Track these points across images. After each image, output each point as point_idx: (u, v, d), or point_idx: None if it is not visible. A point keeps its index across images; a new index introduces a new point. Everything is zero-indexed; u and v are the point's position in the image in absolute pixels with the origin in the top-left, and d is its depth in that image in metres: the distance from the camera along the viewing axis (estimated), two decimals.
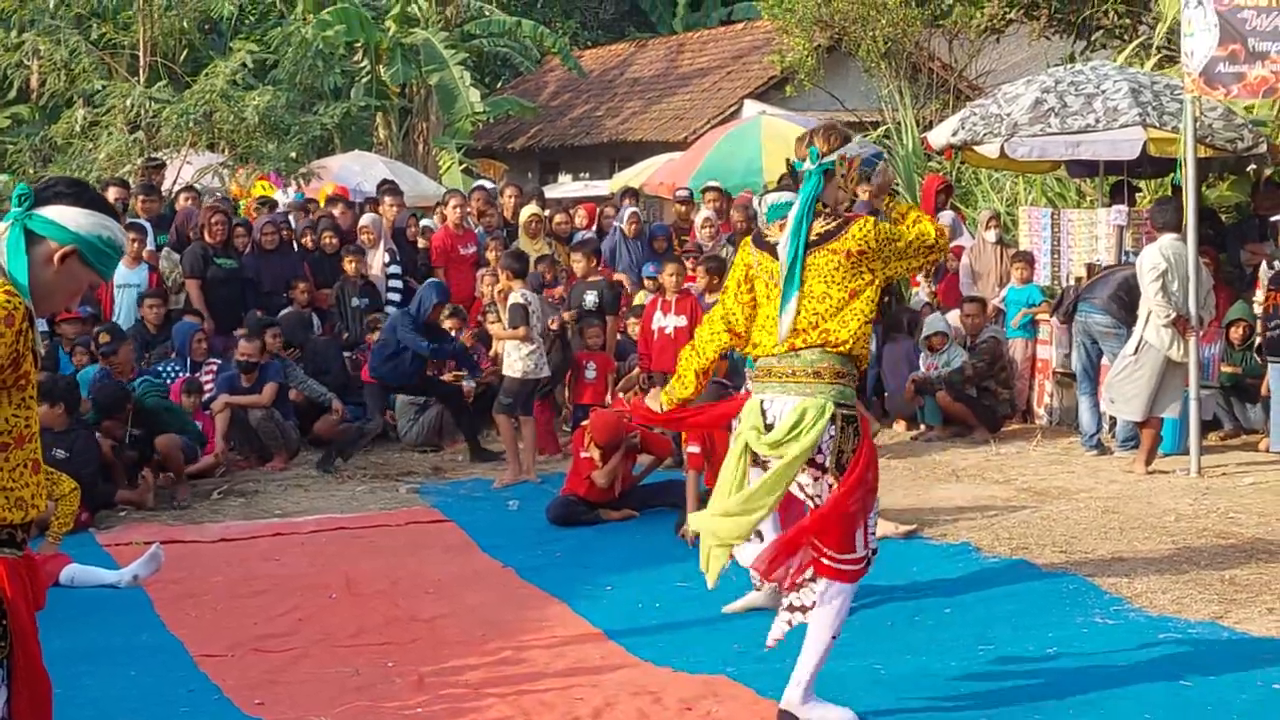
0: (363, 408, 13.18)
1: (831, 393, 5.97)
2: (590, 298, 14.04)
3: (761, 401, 6.10)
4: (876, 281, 6.09)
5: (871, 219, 6.13)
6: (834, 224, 6.08)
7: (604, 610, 7.98)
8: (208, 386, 13.00)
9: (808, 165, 6.17)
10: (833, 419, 5.95)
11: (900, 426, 13.93)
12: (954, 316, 14.09)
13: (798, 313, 6.01)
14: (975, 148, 14.09)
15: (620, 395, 10.15)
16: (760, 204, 8.21)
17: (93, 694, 6.65)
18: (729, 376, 10.57)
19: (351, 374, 13.88)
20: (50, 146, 21.74)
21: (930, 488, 11.24)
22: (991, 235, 14.84)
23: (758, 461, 6.12)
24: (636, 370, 12.87)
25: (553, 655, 7.21)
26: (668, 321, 12.87)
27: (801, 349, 6.02)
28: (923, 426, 13.65)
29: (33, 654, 3.87)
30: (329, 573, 8.97)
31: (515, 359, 11.92)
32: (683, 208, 17.04)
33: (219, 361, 13.42)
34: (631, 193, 18.17)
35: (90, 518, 10.40)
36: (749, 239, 6.41)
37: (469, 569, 9.12)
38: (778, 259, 6.12)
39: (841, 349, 5.99)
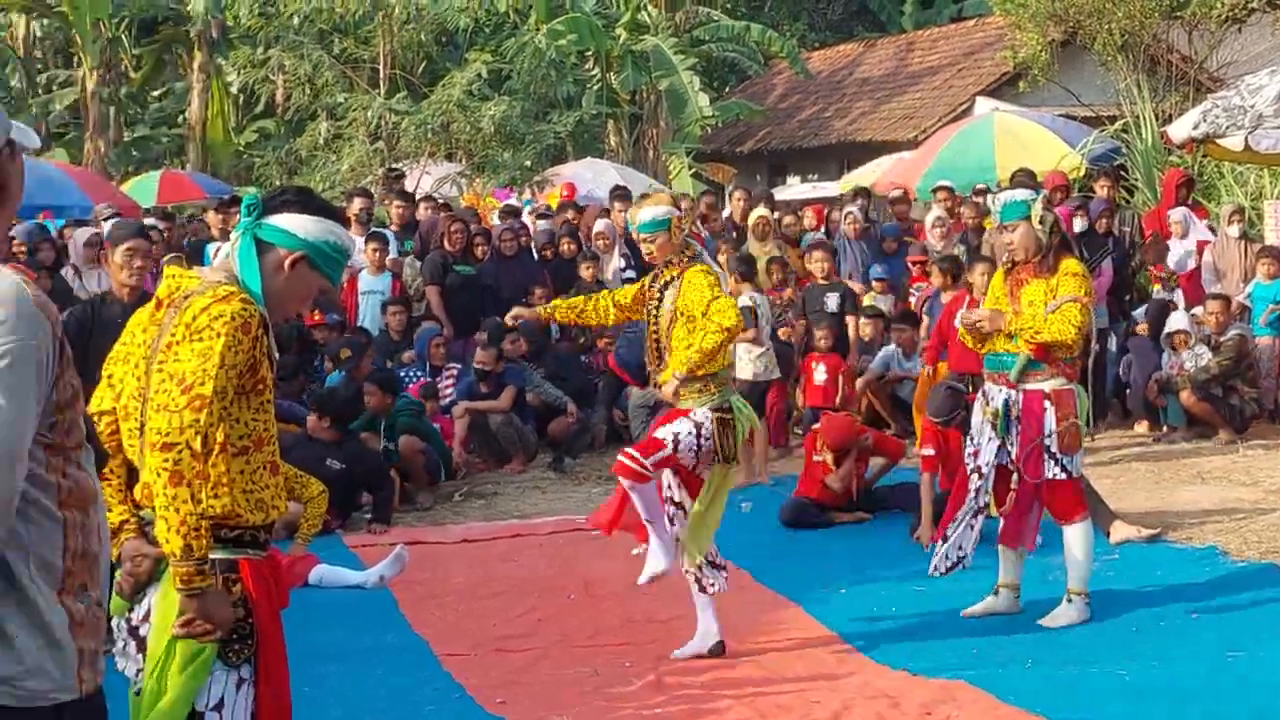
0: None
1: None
2: (833, 300, 13.93)
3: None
4: None
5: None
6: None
7: (839, 613, 7.92)
8: (446, 391, 13.23)
9: None
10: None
11: (1142, 427, 13.56)
12: (1194, 314, 13.66)
13: None
14: (1218, 141, 13.65)
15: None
16: (994, 202, 8.07)
17: (341, 693, 6.81)
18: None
19: (590, 378, 14.02)
20: (295, 159, 22.41)
21: (1174, 490, 10.93)
22: (1235, 230, 14.38)
23: None
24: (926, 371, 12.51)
25: (788, 658, 7.18)
26: None
27: None
28: (1165, 427, 13.28)
29: (277, 652, 3.98)
30: (566, 574, 9.06)
31: (744, 361, 11.90)
32: (902, 207, 16.87)
33: (458, 366, 13.65)
34: (864, 193, 18.00)
35: (342, 522, 10.63)
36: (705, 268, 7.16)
37: None
38: None
39: None
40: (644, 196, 7.42)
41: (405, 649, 7.56)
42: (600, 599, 8.47)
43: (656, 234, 7.15)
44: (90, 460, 2.99)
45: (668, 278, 7.18)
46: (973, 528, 7.56)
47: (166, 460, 3.65)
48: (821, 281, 14.14)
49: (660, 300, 7.18)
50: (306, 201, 4.05)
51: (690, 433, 7.05)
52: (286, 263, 3.97)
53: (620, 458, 7.14)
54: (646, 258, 7.32)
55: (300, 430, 10.68)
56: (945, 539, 7.63)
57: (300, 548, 9.08)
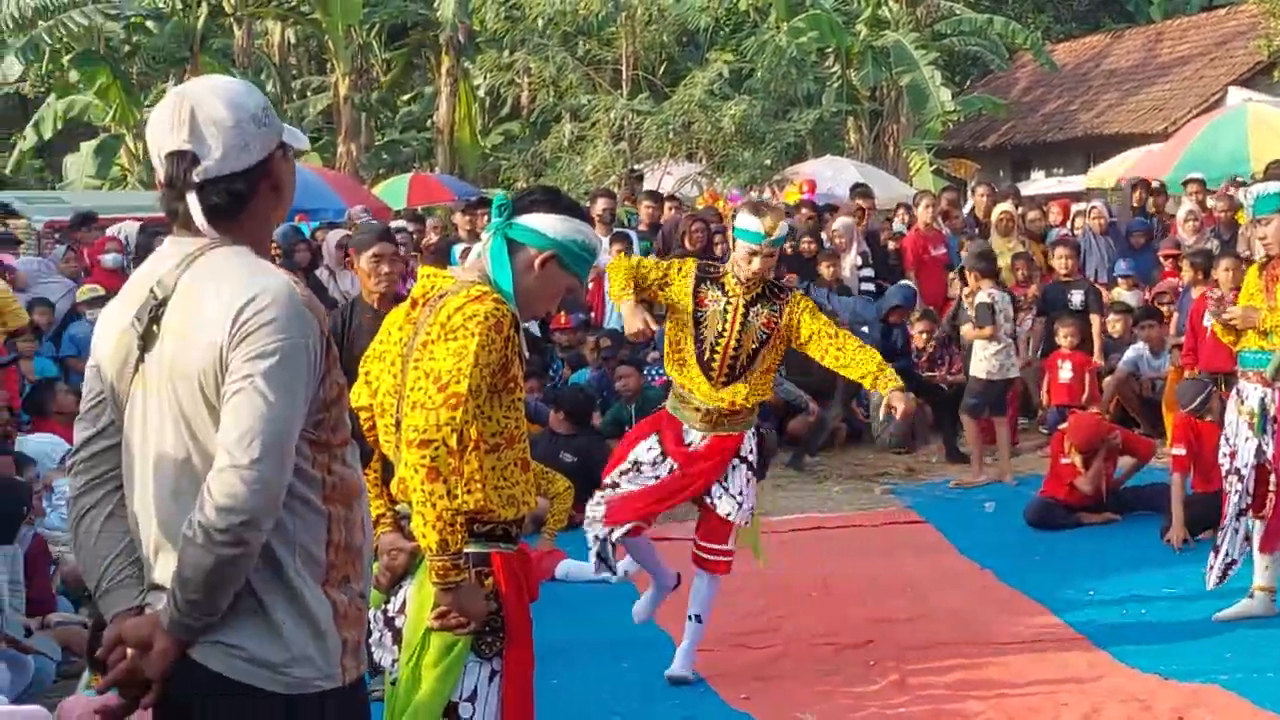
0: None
1: None
2: (1077, 297, 13.66)
3: None
4: None
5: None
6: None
7: (1087, 615, 7.78)
8: None
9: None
10: None
11: None
12: None
13: None
14: None
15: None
16: (1246, 195, 7.82)
17: (590, 683, 6.91)
18: None
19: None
20: (540, 161, 22.75)
21: None
22: None
23: None
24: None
25: (1035, 660, 7.07)
26: None
27: None
28: None
29: (525, 645, 4.04)
30: (807, 572, 9.04)
31: (981, 358, 11.75)
32: (1160, 198, 16.44)
33: None
34: (1143, 184, 17.43)
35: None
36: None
37: (946, 570, 9.03)
38: None
39: None
40: (765, 205, 6.88)
41: (651, 643, 7.61)
42: (841, 597, 8.45)
43: (778, 250, 6.76)
44: (356, 456, 3.10)
45: (756, 293, 6.65)
46: (1237, 531, 7.38)
47: (424, 456, 3.71)
48: (1065, 278, 13.85)
49: (745, 313, 6.66)
50: (555, 201, 4.11)
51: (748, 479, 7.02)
52: (537, 262, 4.03)
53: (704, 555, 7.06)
54: (758, 271, 6.56)
55: (543, 429, 10.87)
56: (1216, 551, 7.46)
57: (547, 542, 9.25)
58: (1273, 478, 7.22)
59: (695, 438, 6.80)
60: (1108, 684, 6.62)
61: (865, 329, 13.01)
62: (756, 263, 6.54)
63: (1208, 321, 10.32)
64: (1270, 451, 7.20)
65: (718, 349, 6.66)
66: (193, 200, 2.97)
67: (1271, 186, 7.45)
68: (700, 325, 6.66)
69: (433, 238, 15.98)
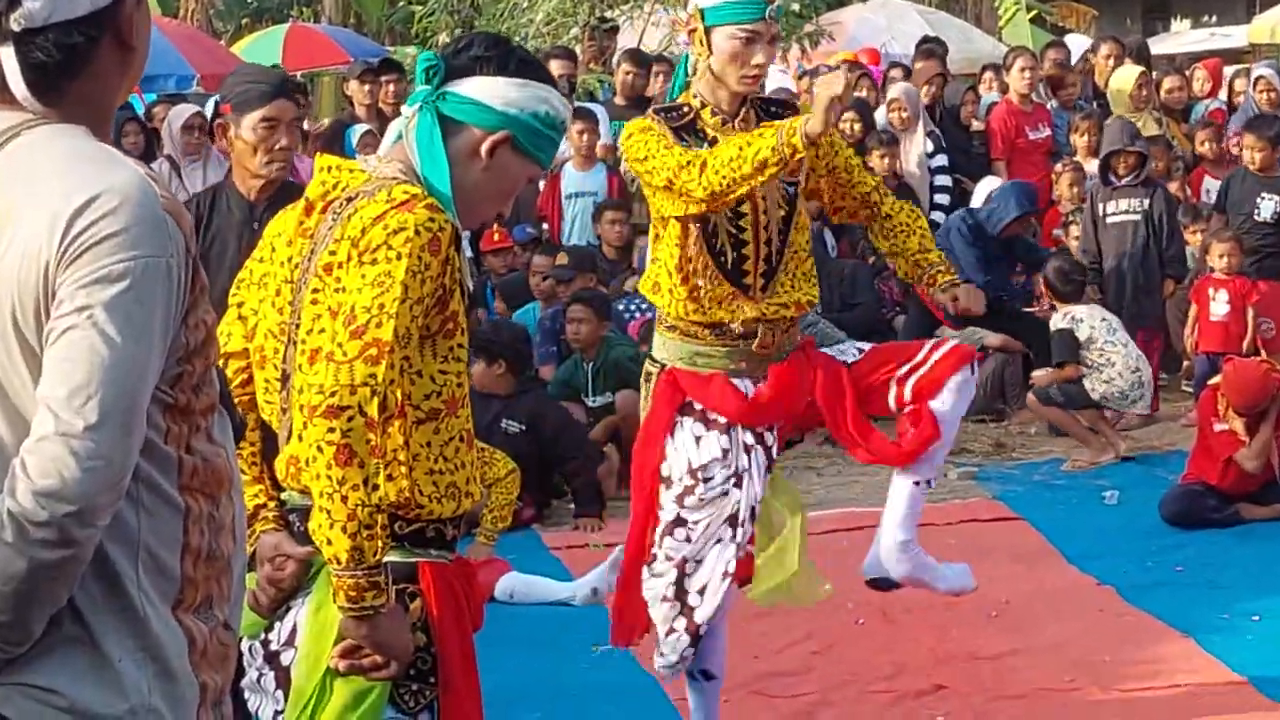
0: None
1: None
2: (1268, 205, 13.58)
3: None
4: None
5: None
6: None
7: (1248, 649, 7.86)
8: None
9: None
10: None
11: None
12: None
13: None
14: None
15: None
16: None
17: None
18: None
19: (884, 310, 14.04)
20: (471, 8, 22.62)
21: None
22: None
23: None
24: None
25: (1176, 709, 7.17)
26: None
27: None
28: None
29: (467, 693, 4.08)
30: (853, 589, 9.08)
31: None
32: None
33: None
34: None
35: (537, 513, 10.81)
36: (653, 122, 6.22)
37: (1050, 586, 9.11)
38: None
39: None
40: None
41: (629, 689, 7.67)
42: (902, 625, 8.51)
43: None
44: (226, 430, 3.08)
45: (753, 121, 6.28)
46: None
47: (331, 430, 3.69)
48: (1260, 172, 13.68)
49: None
50: (504, 58, 4.05)
51: None
52: (484, 147, 4.02)
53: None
54: (764, 66, 6.19)
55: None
56: None
57: (484, 549, 9.25)
58: None
59: (748, 386, 6.34)
60: None
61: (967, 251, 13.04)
62: (759, 54, 6.10)
63: None
64: None
65: (743, 238, 6.22)
66: (8, 56, 2.94)
67: None
68: (704, 217, 6.13)
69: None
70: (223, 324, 4.15)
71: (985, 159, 15.46)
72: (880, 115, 15.64)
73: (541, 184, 14.39)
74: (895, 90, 15.81)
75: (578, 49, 18.49)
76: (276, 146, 6.18)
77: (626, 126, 6.24)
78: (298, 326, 3.95)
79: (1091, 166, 14.26)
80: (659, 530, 6.30)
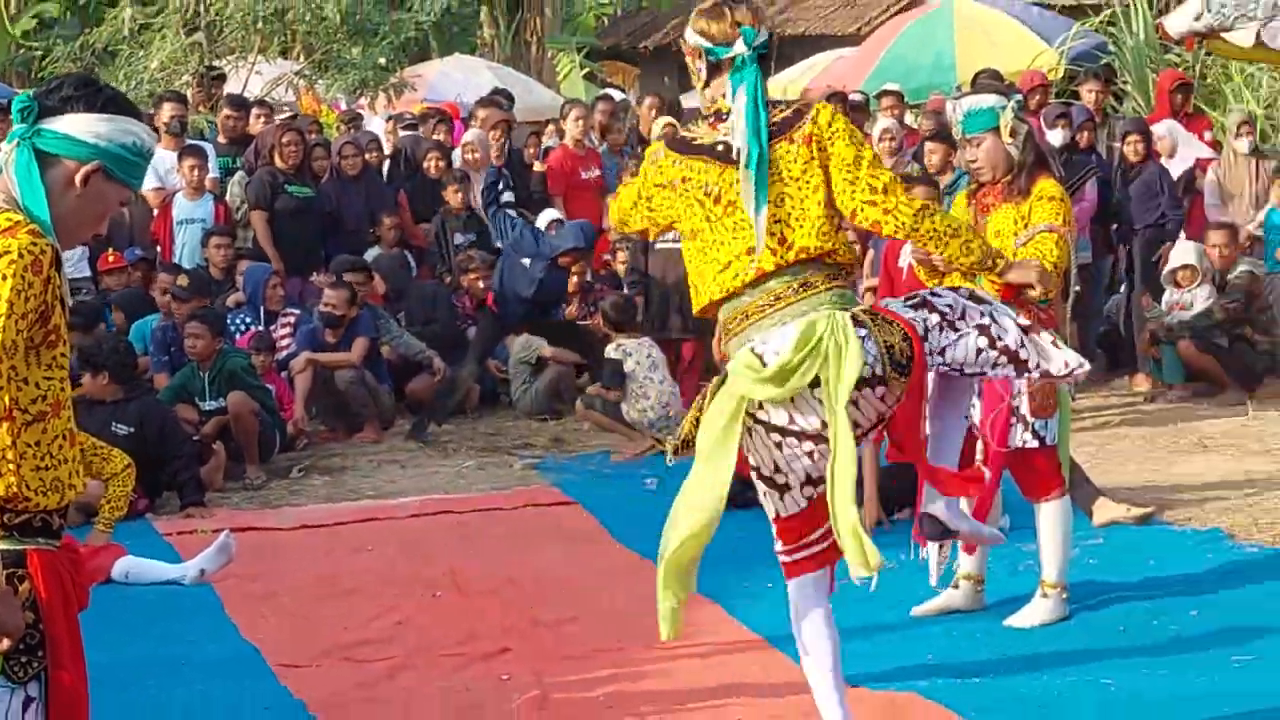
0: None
1: (833, 297, 5.68)
2: None
3: (752, 349, 5.76)
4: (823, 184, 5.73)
5: (833, 107, 5.89)
6: (789, 110, 5.79)
7: (766, 613, 7.95)
8: (283, 343, 13.15)
9: (740, 48, 5.78)
10: (857, 321, 5.61)
11: (1136, 383, 13.73)
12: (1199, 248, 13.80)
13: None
14: (1223, 35, 13.79)
15: None
16: (956, 110, 8.11)
17: (153, 713, 6.77)
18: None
19: (459, 324, 14.02)
20: (92, 54, 22.09)
21: (1171, 461, 11.11)
22: (1244, 145, 14.54)
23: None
24: None
25: (704, 666, 7.24)
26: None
27: (771, 274, 5.70)
28: (1161, 384, 13.45)
29: (74, 665, 3.95)
30: (432, 567, 9.06)
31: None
32: (858, 115, 16.94)
33: (296, 312, 13.56)
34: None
35: (150, 503, 10.58)
36: (660, 144, 6.03)
37: (600, 562, 9.17)
38: (721, 164, 5.76)
39: (829, 259, 5.71)
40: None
41: (232, 660, 7.53)
42: (473, 596, 8.49)
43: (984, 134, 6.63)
44: None
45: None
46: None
47: None
48: None
49: None
50: (93, 97, 3.96)
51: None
52: (78, 177, 3.91)
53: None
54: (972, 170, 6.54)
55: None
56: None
57: (102, 536, 9.04)
58: (979, 444, 7.48)
59: None
60: (788, 694, 6.79)
61: (527, 263, 12.95)
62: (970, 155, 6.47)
63: (904, 260, 10.75)
64: (978, 414, 7.46)
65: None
66: None
67: (984, 100, 7.71)
68: None
69: None
70: None
71: (544, 196, 15.54)
72: (457, 156, 15.64)
73: (156, 211, 14.12)
74: (469, 135, 15.86)
75: (189, 93, 18.16)
76: None
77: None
78: None
79: None
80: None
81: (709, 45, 5.86)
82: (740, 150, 5.65)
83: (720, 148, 5.73)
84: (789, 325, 5.63)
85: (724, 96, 5.80)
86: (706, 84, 5.93)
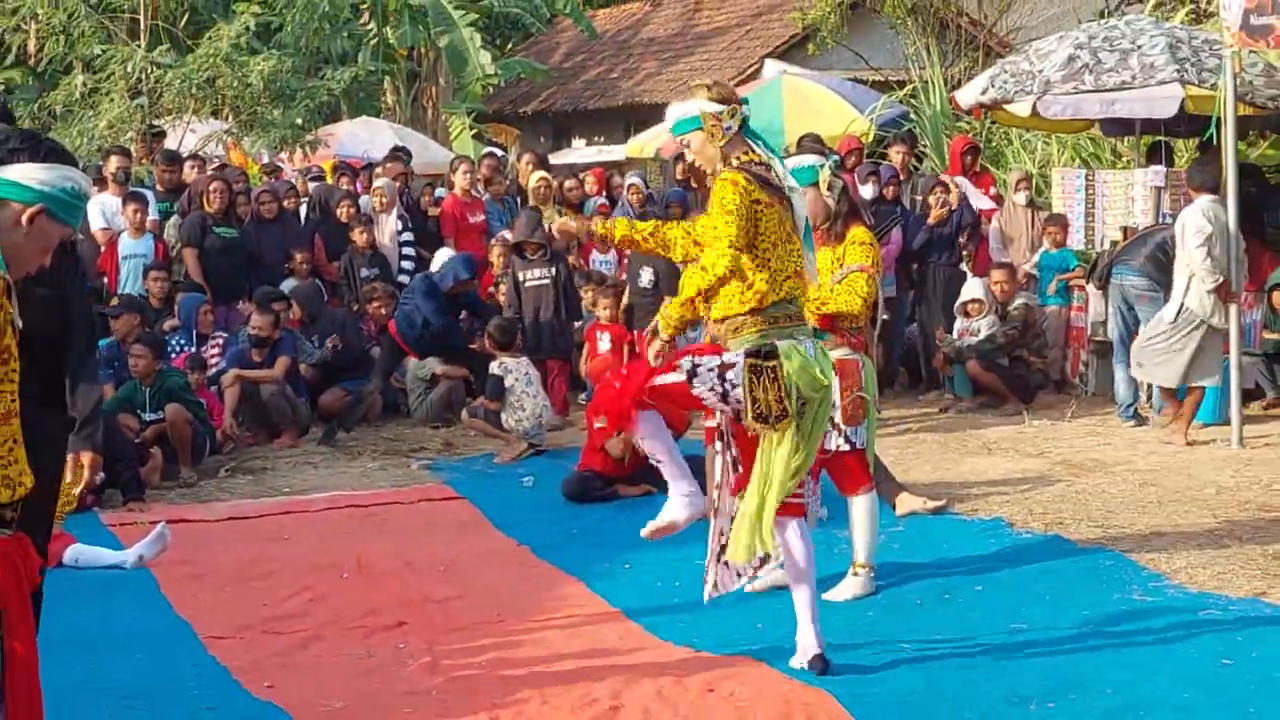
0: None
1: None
2: (647, 275, 13.92)
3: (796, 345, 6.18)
4: None
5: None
6: None
7: (622, 589, 7.99)
8: (213, 361, 13.04)
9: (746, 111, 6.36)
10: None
11: (930, 397, 13.91)
12: (985, 284, 14.00)
13: None
14: (1006, 106, 14.03)
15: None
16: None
17: (99, 678, 6.67)
18: None
19: (366, 345, 13.95)
20: (49, 114, 21.80)
21: (960, 461, 11.23)
22: (1022, 198, 14.76)
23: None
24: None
25: (570, 635, 7.22)
26: None
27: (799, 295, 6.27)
28: (952, 397, 13.62)
29: (27, 639, 3.90)
30: (340, 552, 8.98)
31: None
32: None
33: (224, 335, 13.49)
34: (666, 161, 18.06)
35: (97, 498, 10.43)
36: (740, 175, 6.10)
37: (483, 547, 9.13)
38: (782, 200, 6.22)
39: None
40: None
41: (167, 632, 7.43)
42: (375, 577, 8.43)
43: (688, 135, 6.43)
44: None
45: None
46: None
47: None
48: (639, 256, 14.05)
49: None
50: (35, 148, 3.97)
51: (712, 369, 6.18)
52: (25, 218, 3.90)
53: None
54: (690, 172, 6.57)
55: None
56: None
57: (54, 526, 8.87)
58: None
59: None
60: (640, 657, 6.82)
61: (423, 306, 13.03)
62: (687, 154, 6.36)
63: None
64: None
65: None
66: None
67: (806, 159, 7.80)
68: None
69: None
70: None
71: (438, 236, 15.49)
72: (364, 202, 15.55)
73: (103, 248, 13.95)
74: (378, 183, 15.77)
75: (133, 148, 17.96)
76: None
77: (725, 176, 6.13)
78: None
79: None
80: None
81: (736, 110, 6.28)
82: (793, 190, 6.26)
83: (775, 185, 6.17)
84: (806, 341, 6.19)
85: (753, 149, 6.25)
86: (727, 140, 6.28)
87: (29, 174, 3.90)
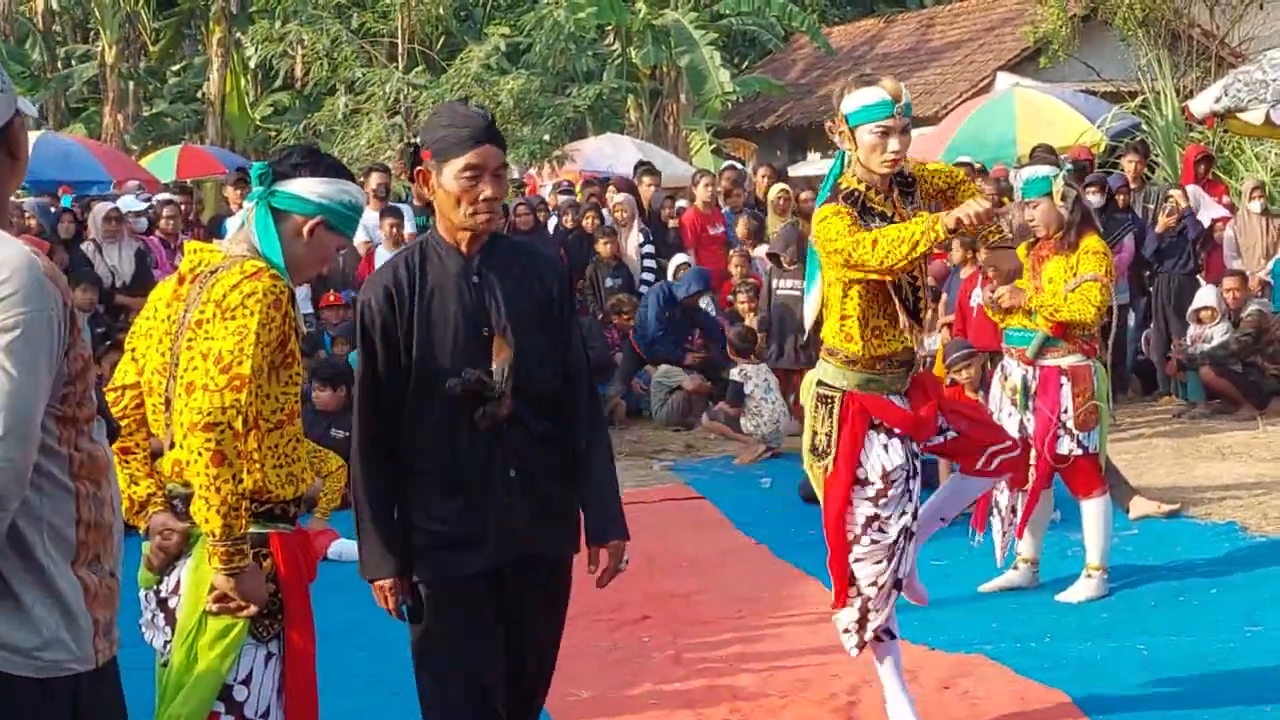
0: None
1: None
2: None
3: None
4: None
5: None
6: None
7: None
8: None
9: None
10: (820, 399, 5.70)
11: (1165, 403, 13.59)
12: (1217, 291, 13.63)
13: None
14: (1239, 115, 13.60)
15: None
16: (1016, 178, 8.08)
17: (361, 668, 6.86)
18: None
19: (610, 350, 14.12)
20: (313, 134, 22.45)
21: (1194, 466, 10.95)
22: (1256, 206, 14.36)
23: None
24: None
25: (808, 632, 7.22)
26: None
27: None
28: (1187, 403, 13.28)
29: (305, 627, 4.02)
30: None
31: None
32: None
33: None
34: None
35: None
36: (843, 207, 5.41)
37: (723, 545, 9.17)
38: None
39: None
40: (870, 74, 5.71)
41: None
42: (621, 574, 8.48)
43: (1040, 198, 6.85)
44: (102, 432, 2.99)
45: (902, 189, 5.63)
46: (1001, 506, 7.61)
47: (209, 440, 3.68)
48: None
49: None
50: (315, 163, 4.05)
51: None
52: (305, 229, 4.00)
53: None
54: (901, 150, 5.39)
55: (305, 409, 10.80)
56: (983, 526, 7.66)
57: (319, 522, 9.16)
58: (1033, 452, 7.47)
59: (906, 404, 5.69)
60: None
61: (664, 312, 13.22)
62: (894, 141, 5.36)
63: (975, 300, 10.70)
64: (1031, 427, 7.48)
65: (918, 286, 5.58)
66: None
67: (1040, 170, 7.72)
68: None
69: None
70: (120, 363, 4.12)
71: (677, 247, 15.58)
72: (607, 214, 15.72)
73: (363, 258, 14.34)
74: (618, 198, 15.90)
75: (391, 165, 18.41)
76: (480, 197, 4.35)
77: (819, 211, 5.45)
78: (176, 365, 3.88)
79: (759, 251, 14.54)
80: (858, 526, 5.77)
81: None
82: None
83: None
84: None
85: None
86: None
87: (309, 188, 4.00)
